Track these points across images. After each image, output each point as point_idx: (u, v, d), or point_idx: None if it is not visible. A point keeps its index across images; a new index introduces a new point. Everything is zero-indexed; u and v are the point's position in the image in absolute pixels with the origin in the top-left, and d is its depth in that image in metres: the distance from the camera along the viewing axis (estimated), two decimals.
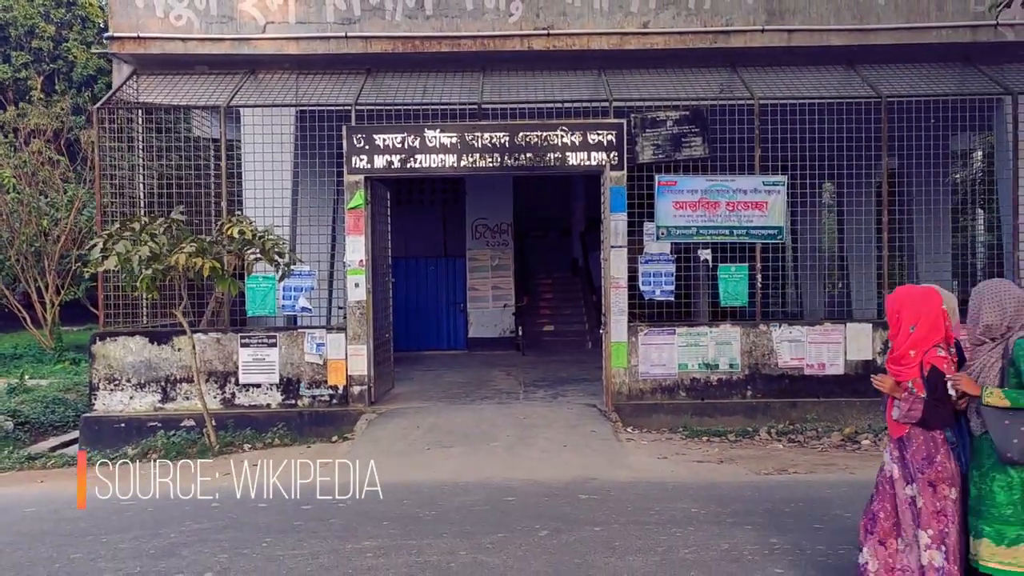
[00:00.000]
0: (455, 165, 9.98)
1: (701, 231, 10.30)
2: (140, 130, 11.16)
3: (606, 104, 10.41)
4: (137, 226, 8.27)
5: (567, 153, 10.03)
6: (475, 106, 10.45)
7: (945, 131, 12.18)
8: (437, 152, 9.94)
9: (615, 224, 10.03)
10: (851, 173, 11.55)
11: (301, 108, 11.03)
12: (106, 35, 11.29)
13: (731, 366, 10.16)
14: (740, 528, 5.89)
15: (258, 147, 10.82)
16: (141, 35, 10.94)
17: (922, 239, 13.19)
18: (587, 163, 10.05)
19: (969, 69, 11.09)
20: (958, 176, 15.70)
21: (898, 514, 4.25)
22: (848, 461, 8.08)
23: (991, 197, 12.56)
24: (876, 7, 10.76)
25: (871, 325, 10.34)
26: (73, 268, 16.28)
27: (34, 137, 16.73)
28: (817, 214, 15.87)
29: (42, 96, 19.47)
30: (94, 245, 8.35)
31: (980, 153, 15.50)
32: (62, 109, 18.33)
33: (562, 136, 10.02)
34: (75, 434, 10.48)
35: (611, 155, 10.00)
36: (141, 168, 11.05)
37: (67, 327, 20.25)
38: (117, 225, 8.65)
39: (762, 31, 10.80)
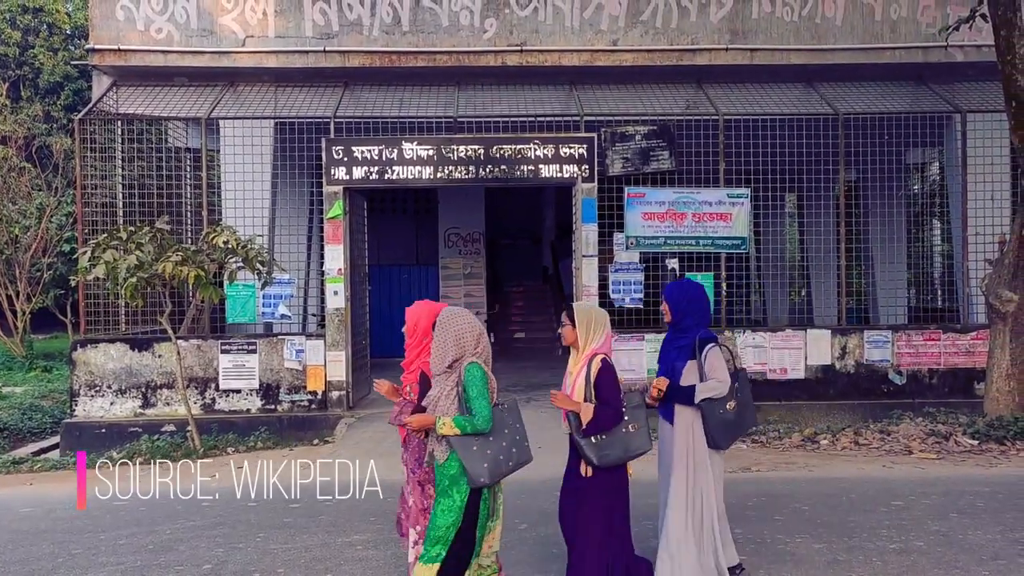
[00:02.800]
0: (431, 177, 10.30)
1: (669, 241, 10.73)
2: (120, 141, 11.32)
3: (577, 118, 10.80)
4: (124, 235, 8.47)
5: (540, 165, 10.40)
6: (451, 119, 10.79)
7: (900, 146, 12.79)
8: (414, 164, 10.25)
9: (586, 234, 10.41)
10: (812, 186, 12.02)
11: (280, 120, 11.29)
12: (87, 47, 11.46)
13: None
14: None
15: (237, 158, 11.05)
16: (121, 47, 11.12)
17: (879, 249, 13.76)
18: (559, 175, 10.42)
19: (921, 88, 11.66)
20: (915, 188, 16.33)
21: None
22: (808, 459, 8.50)
23: (945, 209, 13.15)
24: (833, 28, 11.28)
25: (830, 332, 10.82)
26: (43, 276, 16.30)
27: (2, 144, 16.72)
28: (780, 225, 16.41)
29: (7, 102, 19.41)
30: (83, 253, 8.53)
31: (935, 167, 16.16)
32: (30, 116, 18.32)
33: (535, 149, 10.39)
34: (54, 440, 10.60)
35: (582, 168, 10.37)
36: (121, 179, 11.21)
37: (34, 335, 20.20)
38: (104, 234, 8.84)
39: (726, 50, 11.27)
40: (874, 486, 7.34)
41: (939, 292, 15.22)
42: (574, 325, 4.40)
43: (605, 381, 4.30)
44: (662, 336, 10.37)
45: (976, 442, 8.76)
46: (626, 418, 4.33)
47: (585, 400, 4.30)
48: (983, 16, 9.32)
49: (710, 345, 4.74)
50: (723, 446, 4.85)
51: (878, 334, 10.81)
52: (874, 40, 11.33)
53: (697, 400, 4.69)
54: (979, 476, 7.70)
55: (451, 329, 4.00)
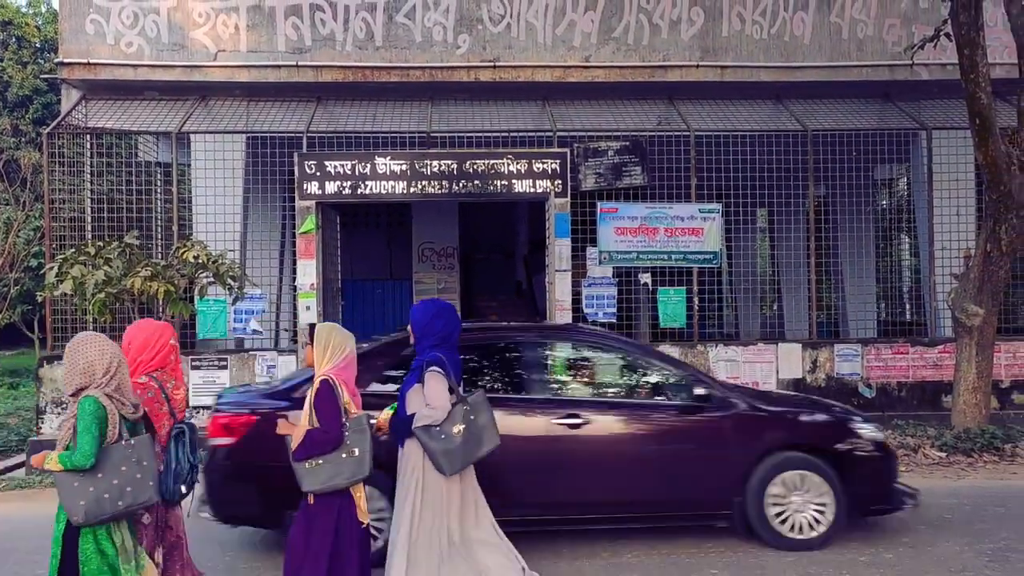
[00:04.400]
0: (405, 191, 10.29)
1: (641, 256, 10.79)
2: (89, 155, 11.20)
3: (550, 134, 10.86)
4: (92, 250, 8.37)
5: (513, 180, 10.42)
6: (424, 134, 10.80)
7: (868, 162, 12.98)
8: (387, 179, 10.23)
9: (559, 249, 10.44)
10: (783, 201, 12.16)
11: (252, 135, 11.23)
12: (56, 60, 11.35)
13: None
14: (666, 530, 6.30)
15: (209, 172, 10.98)
16: (91, 61, 11.02)
17: (848, 263, 13.92)
18: (532, 190, 10.45)
19: (888, 105, 11.85)
20: (883, 204, 16.57)
21: None
22: None
23: (913, 224, 13.34)
24: (801, 46, 11.44)
25: (801, 345, 10.92)
26: (10, 292, 16.06)
27: None
28: (752, 239, 16.56)
29: None
30: (50, 268, 8.42)
31: (903, 182, 16.43)
32: (2, 130, 18.08)
33: (508, 164, 10.42)
34: (19, 458, 10.39)
35: (555, 183, 10.42)
36: (90, 193, 11.09)
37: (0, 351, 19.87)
38: (72, 249, 8.73)
39: (697, 66, 11.39)
40: None
41: (908, 306, 15.45)
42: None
43: (320, 404, 4.16)
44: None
45: (944, 454, 8.87)
46: (348, 442, 4.18)
47: (310, 424, 4.16)
48: (947, 35, 9.50)
49: (430, 369, 4.55)
50: (447, 472, 4.53)
51: (848, 347, 10.93)
52: (841, 58, 11.51)
53: (414, 428, 4.50)
54: (947, 488, 7.79)
55: (80, 356, 3.71)
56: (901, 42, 11.21)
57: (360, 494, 4.28)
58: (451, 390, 4.58)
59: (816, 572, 5.45)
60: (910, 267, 15.72)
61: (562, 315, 10.25)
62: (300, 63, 11.18)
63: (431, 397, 4.51)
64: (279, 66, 11.20)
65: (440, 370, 4.56)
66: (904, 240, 16.15)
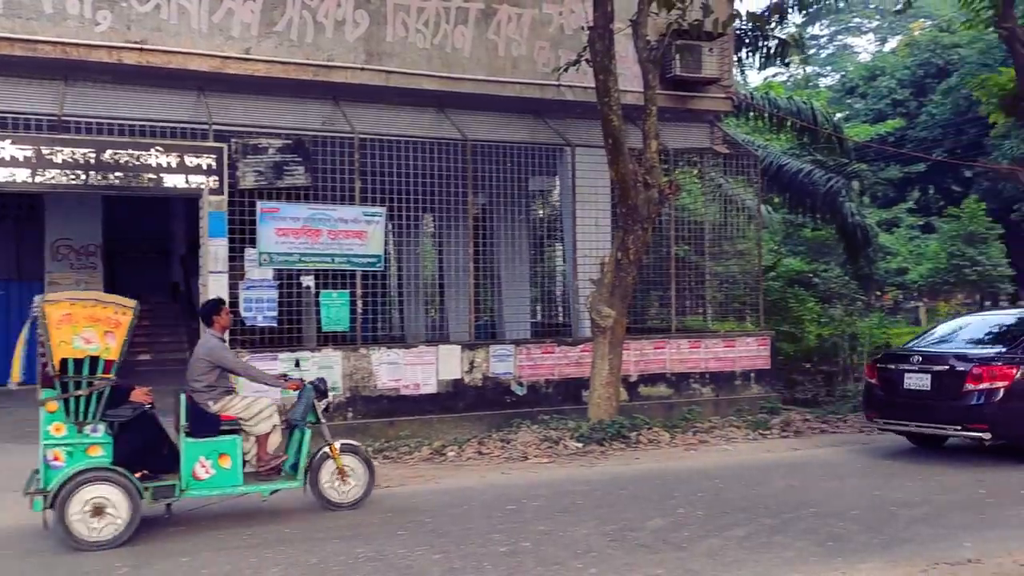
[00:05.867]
0: (28, 181, 9.07)
1: (304, 258, 10.51)
2: None
3: (206, 127, 10.19)
4: None
5: (163, 174, 9.65)
6: (54, 118, 9.61)
7: (523, 173, 13.81)
8: (6, 165, 8.95)
9: (214, 249, 9.84)
10: (447, 207, 12.54)
11: None
12: None
13: (333, 389, 10.44)
14: (329, 542, 6.16)
15: None
16: None
17: (506, 268, 14.73)
18: (185, 186, 9.76)
19: (539, 121, 12.71)
20: (539, 213, 17.78)
21: None
22: (435, 472, 8.79)
23: (562, 233, 14.44)
24: (462, 59, 11.88)
25: (460, 347, 11.33)
26: None
27: None
28: (418, 244, 16.92)
29: None
30: None
31: (556, 194, 17.77)
32: None
33: (157, 156, 9.62)
34: None
35: (211, 179, 9.81)
36: None
37: None
38: None
39: (362, 69, 11.35)
40: (493, 493, 7.76)
41: (559, 309, 16.73)
42: None
43: None
44: (297, 355, 10.21)
45: (581, 444, 9.68)
46: None
47: None
48: (588, 61, 10.41)
49: None
50: None
51: (502, 348, 11.54)
52: (498, 73, 12.13)
53: None
54: (582, 476, 8.50)
55: None
56: (550, 63, 12.07)
57: None
58: None
59: (461, 567, 5.61)
60: (562, 272, 17.04)
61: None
62: None
63: None
64: None
65: None
66: (557, 247, 17.48)
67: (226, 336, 7.75)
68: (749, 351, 12.92)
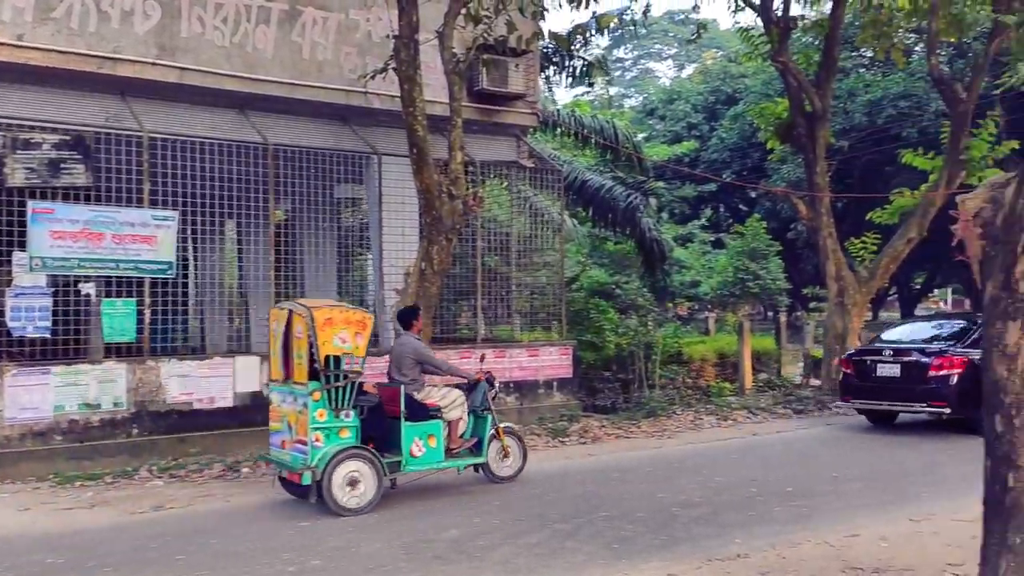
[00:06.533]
0: None
1: (83, 263, 9.72)
2: None
3: None
4: None
5: None
6: None
7: (330, 181, 13.53)
8: None
9: None
10: (249, 213, 12.04)
11: None
12: None
13: (116, 404, 9.74)
14: (100, 570, 5.71)
15: None
16: None
17: (311, 277, 14.35)
18: None
19: (346, 128, 12.50)
20: (348, 222, 17.47)
21: None
22: (227, 490, 8.37)
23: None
24: (264, 59, 11.47)
25: (259, 358, 10.89)
26: None
27: None
28: (219, 250, 16.15)
29: None
30: None
31: (364, 201, 17.53)
32: None
33: None
34: None
35: None
36: None
37: None
38: None
39: (153, 64, 10.70)
40: (287, 509, 7.49)
41: None
42: None
43: None
44: (74, 368, 9.43)
45: None
46: None
47: None
48: (395, 69, 10.34)
49: None
50: None
51: None
52: (303, 77, 11.81)
53: None
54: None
55: None
56: (356, 70, 11.88)
57: None
58: None
59: None
60: (372, 282, 16.79)
61: None
62: None
63: None
64: None
65: None
66: (368, 257, 17.23)
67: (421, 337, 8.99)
68: (553, 360, 13.29)
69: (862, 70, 29.18)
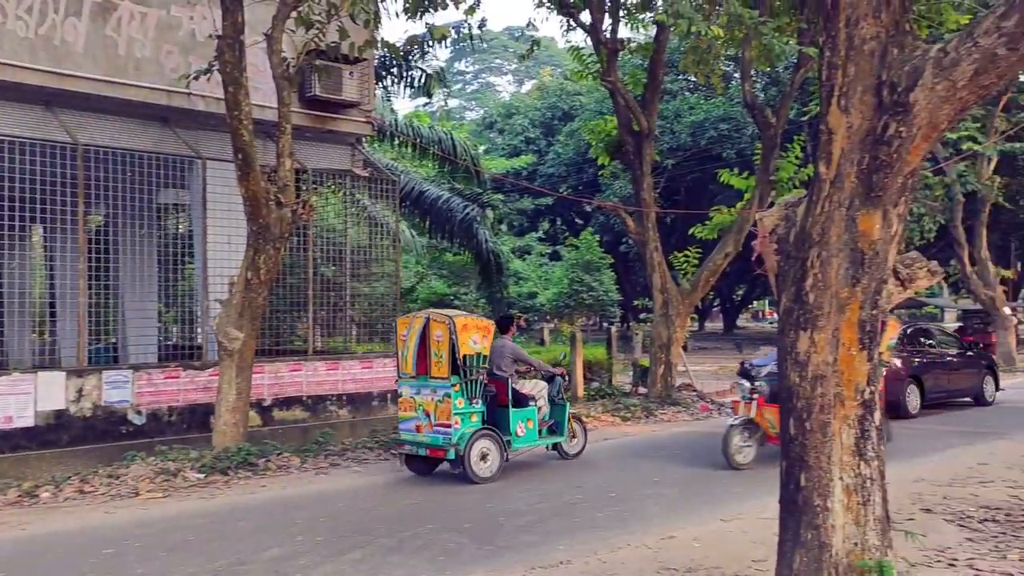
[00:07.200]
0: None
1: None
2: None
3: None
4: None
5: None
6: None
7: (151, 185, 12.79)
8: None
9: None
10: (59, 218, 11.17)
11: None
12: None
13: None
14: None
15: None
16: None
17: (130, 287, 13.50)
18: None
19: (168, 130, 11.86)
20: (171, 229, 16.59)
21: None
22: (23, 517, 7.69)
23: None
24: (74, 54, 10.71)
25: (65, 374, 10.14)
26: None
27: None
28: (23, 257, 14.92)
29: None
30: None
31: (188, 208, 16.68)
32: None
33: None
34: None
35: None
36: None
37: None
38: None
39: None
40: (89, 536, 6.97)
41: (193, 331, 15.68)
42: None
43: None
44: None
45: (203, 475, 9.09)
46: None
47: None
48: (219, 71, 9.90)
49: None
50: None
51: (118, 374, 10.53)
52: (119, 74, 11.11)
53: None
54: (199, 509, 7.96)
55: None
56: (179, 69, 11.32)
57: None
58: None
59: None
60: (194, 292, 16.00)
61: None
62: None
63: None
64: None
65: None
66: (194, 265, 16.40)
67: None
68: (387, 372, 13.10)
69: (687, 93, 30.85)
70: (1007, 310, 25.22)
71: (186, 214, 15.52)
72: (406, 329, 9.65)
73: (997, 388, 16.38)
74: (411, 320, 9.65)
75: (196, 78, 10.42)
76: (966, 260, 24.60)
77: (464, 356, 8.90)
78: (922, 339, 15.76)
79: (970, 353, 16.43)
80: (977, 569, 5.70)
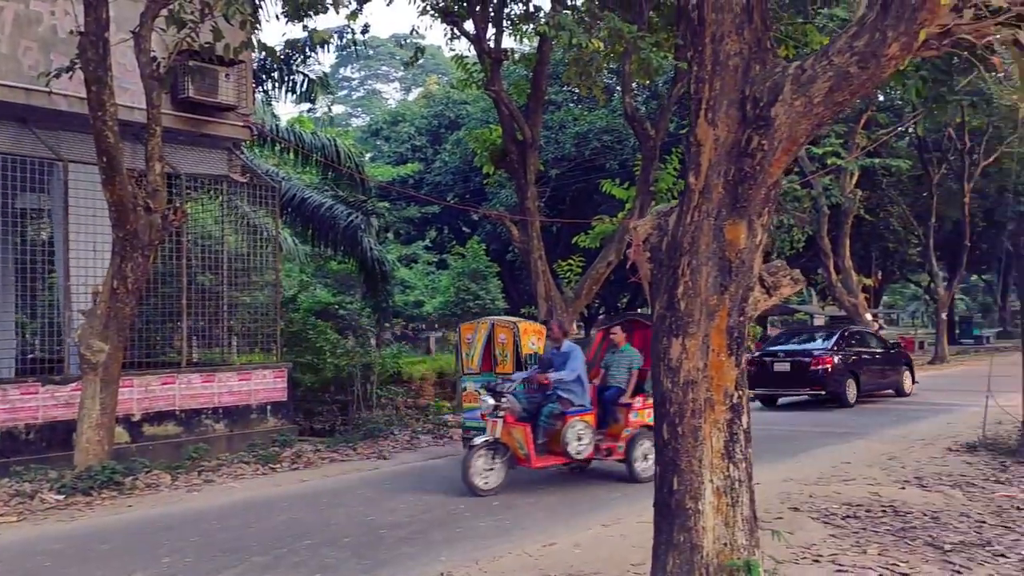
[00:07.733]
0: None
1: None
2: None
3: None
4: None
5: None
6: None
7: (7, 189, 12.00)
8: None
9: None
10: None
11: None
12: None
13: None
14: None
15: None
16: None
17: None
18: None
19: (26, 131, 11.17)
20: (31, 235, 15.61)
21: None
22: None
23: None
24: None
25: None
26: None
27: None
28: None
29: None
30: None
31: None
32: None
33: None
34: None
35: None
36: None
37: None
38: None
39: None
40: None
41: (54, 343, 14.77)
42: None
43: None
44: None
45: (63, 497, 8.56)
46: None
47: None
48: (82, 69, 9.39)
49: None
50: None
51: None
52: None
53: None
54: (58, 532, 7.49)
55: None
56: (39, 67, 10.68)
57: None
58: None
59: None
60: (56, 302, 15.10)
61: None
62: None
63: None
64: None
65: None
66: (56, 274, 15.48)
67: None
68: (266, 384, 12.73)
69: (572, 104, 31.38)
70: (869, 316, 26.77)
71: (47, 220, 14.66)
72: (471, 333, 11.09)
73: (914, 382, 18.92)
74: (476, 325, 11.16)
75: (57, 76, 9.85)
76: (831, 269, 25.98)
77: (525, 355, 10.46)
78: (855, 341, 18.08)
79: (892, 351, 19.07)
80: (839, 564, 5.96)
